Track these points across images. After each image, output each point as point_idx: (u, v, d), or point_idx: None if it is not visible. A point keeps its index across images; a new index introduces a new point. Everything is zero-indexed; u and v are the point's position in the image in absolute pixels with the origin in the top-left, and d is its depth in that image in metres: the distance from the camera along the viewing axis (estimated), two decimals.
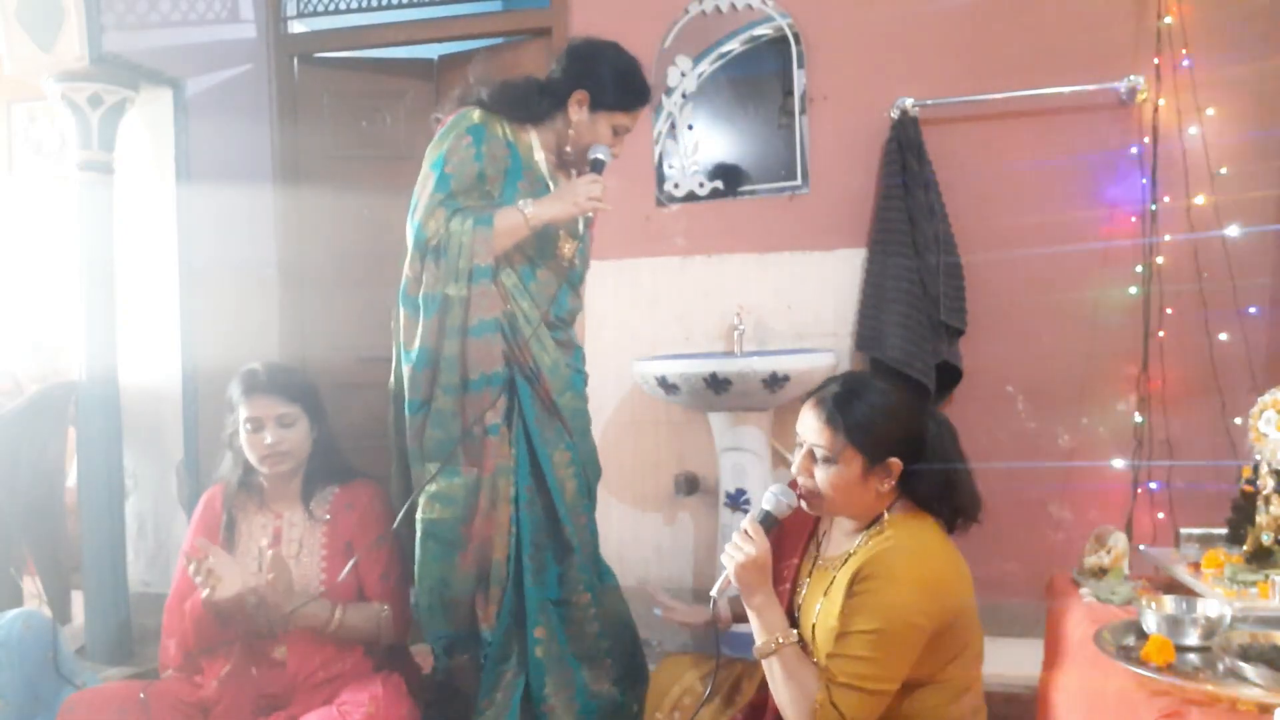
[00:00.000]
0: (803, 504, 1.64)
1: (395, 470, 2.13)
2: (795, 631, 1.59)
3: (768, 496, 1.64)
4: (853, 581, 1.53)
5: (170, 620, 2.03)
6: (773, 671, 1.55)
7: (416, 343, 2.00)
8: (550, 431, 2.07)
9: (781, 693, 1.53)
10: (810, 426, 1.62)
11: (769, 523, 1.62)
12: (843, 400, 1.60)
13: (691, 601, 3.15)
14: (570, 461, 2.09)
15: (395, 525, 2.02)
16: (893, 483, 1.60)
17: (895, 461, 1.59)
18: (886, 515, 1.61)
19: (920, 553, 1.55)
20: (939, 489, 1.62)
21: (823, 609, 1.60)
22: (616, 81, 2.09)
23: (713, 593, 1.65)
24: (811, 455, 1.61)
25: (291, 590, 1.94)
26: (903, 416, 1.62)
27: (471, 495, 2.00)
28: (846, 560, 1.61)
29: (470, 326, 1.98)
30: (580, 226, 2.15)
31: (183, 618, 1.97)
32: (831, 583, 1.61)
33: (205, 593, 1.85)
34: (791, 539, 1.77)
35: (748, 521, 1.60)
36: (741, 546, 1.57)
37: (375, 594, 2.06)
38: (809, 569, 1.72)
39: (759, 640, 1.57)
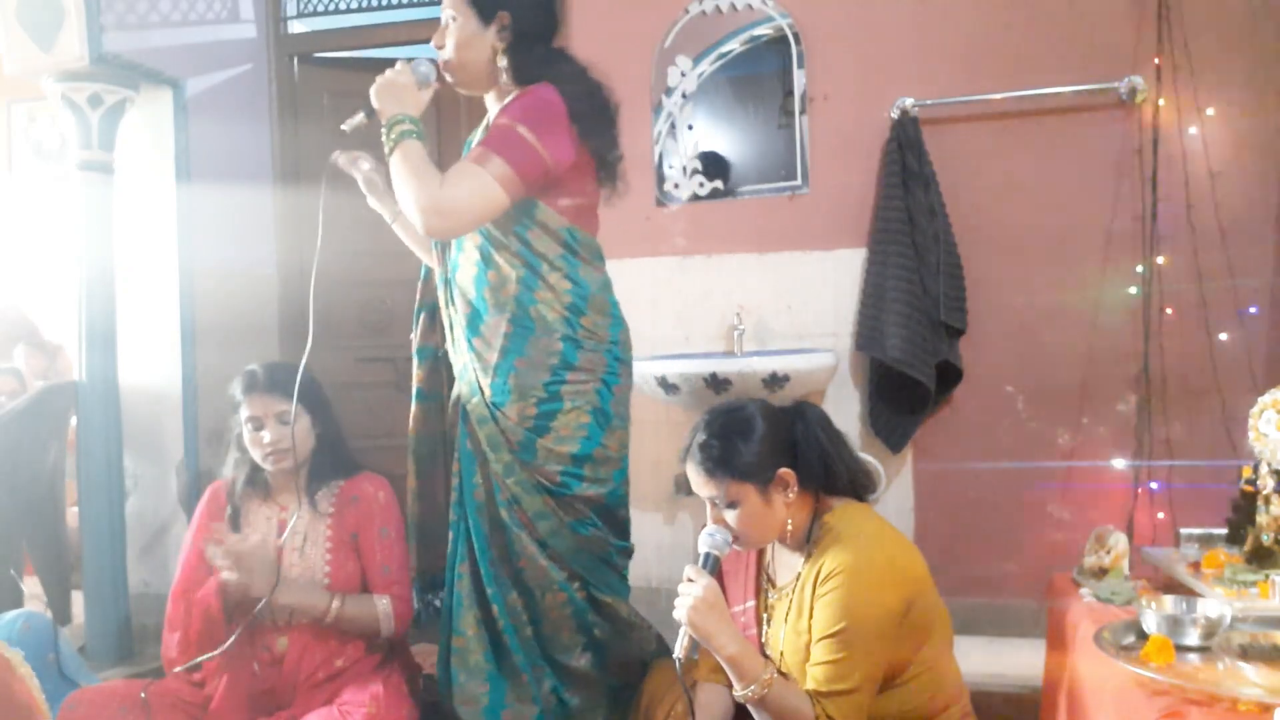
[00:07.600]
0: (736, 546, 1.65)
1: None
2: (770, 663, 1.57)
3: (703, 539, 1.63)
4: (813, 594, 1.55)
5: (174, 611, 2.02)
6: (763, 715, 1.52)
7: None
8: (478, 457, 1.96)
9: None
10: (698, 482, 1.64)
11: (710, 564, 1.60)
12: (709, 447, 1.61)
13: None
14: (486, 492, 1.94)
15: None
16: (796, 489, 1.62)
17: (785, 471, 1.61)
18: (816, 526, 1.62)
19: (864, 538, 1.56)
20: (826, 471, 1.64)
21: (789, 631, 1.61)
22: None
23: (677, 654, 1.57)
24: (715, 505, 1.63)
25: (284, 582, 1.95)
26: (766, 431, 1.63)
27: (418, 455, 2.16)
28: (798, 580, 1.62)
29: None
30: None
31: (188, 609, 1.96)
32: (790, 605, 1.62)
33: (227, 575, 1.88)
34: (740, 582, 1.77)
35: (689, 568, 1.58)
36: (688, 591, 1.54)
37: (377, 586, 2.06)
38: (765, 605, 1.73)
39: (740, 691, 1.53)
